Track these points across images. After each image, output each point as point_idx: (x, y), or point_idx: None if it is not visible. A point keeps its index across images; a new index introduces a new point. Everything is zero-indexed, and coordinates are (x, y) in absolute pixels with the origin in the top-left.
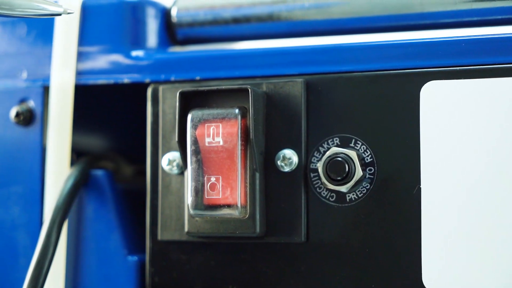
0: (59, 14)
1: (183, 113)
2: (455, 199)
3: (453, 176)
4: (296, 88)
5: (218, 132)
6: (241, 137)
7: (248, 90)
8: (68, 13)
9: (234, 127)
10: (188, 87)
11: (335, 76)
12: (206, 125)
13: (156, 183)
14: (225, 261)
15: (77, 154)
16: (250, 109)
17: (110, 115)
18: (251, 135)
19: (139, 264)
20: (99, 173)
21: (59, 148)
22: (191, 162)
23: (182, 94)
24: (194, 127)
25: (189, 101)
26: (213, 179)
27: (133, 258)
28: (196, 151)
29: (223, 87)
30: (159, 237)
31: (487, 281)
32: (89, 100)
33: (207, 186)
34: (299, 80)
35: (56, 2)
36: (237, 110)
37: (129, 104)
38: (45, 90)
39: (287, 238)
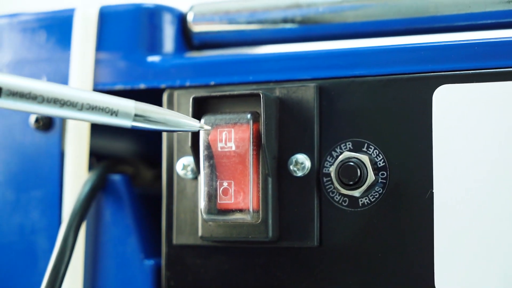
0: (197, 130)
1: (196, 118)
2: (468, 203)
3: (466, 180)
4: (308, 92)
5: (230, 137)
6: (253, 142)
7: (260, 95)
8: (205, 129)
9: (246, 132)
10: (202, 92)
11: (348, 81)
12: (218, 130)
13: (171, 188)
14: (239, 265)
15: (98, 158)
16: (262, 114)
17: None
18: (263, 140)
19: (156, 268)
20: (116, 177)
21: (77, 153)
22: (204, 167)
23: (195, 100)
24: (207, 132)
25: (202, 106)
26: (225, 184)
27: (149, 262)
28: (209, 156)
29: (235, 92)
30: (174, 242)
31: (501, 285)
32: None
33: (219, 191)
34: (312, 84)
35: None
36: (249, 115)
37: None
38: None
39: (300, 242)
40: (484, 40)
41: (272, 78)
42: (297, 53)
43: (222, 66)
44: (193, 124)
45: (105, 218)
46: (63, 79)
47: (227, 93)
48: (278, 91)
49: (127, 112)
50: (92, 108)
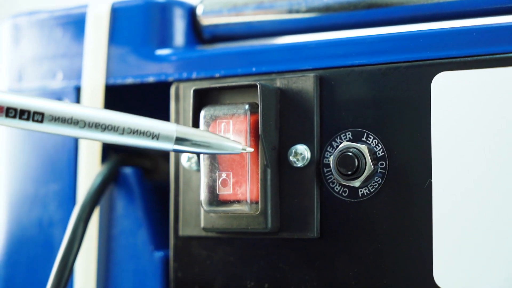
0: (239, 152)
1: (198, 110)
2: (467, 193)
3: (465, 169)
4: (308, 83)
5: (229, 128)
6: (250, 133)
7: (257, 86)
8: (247, 151)
9: (244, 123)
10: (207, 85)
11: (347, 70)
12: (217, 121)
13: (178, 180)
14: (243, 257)
15: (116, 152)
16: (259, 105)
17: (149, 114)
18: (260, 131)
19: (165, 259)
20: (128, 170)
21: (90, 146)
22: (204, 158)
23: (196, 92)
24: (207, 124)
25: (204, 99)
26: (224, 175)
27: (159, 254)
28: None
29: (233, 83)
30: (180, 233)
31: (499, 278)
32: (133, 98)
33: (218, 182)
34: (311, 75)
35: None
36: (247, 106)
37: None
38: (78, 90)
39: (300, 233)
40: (482, 25)
41: (274, 69)
42: (296, 44)
43: (226, 59)
44: (236, 146)
45: (117, 210)
46: (78, 74)
47: (226, 84)
48: (278, 82)
49: (168, 135)
50: (134, 132)
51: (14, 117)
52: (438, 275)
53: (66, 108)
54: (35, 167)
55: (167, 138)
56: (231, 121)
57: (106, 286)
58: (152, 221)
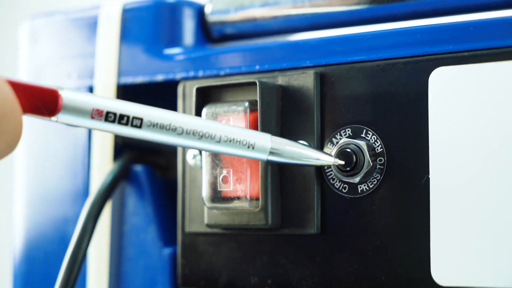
0: (331, 164)
1: (201, 108)
2: (465, 188)
3: (463, 164)
4: (308, 80)
5: None
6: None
7: (256, 84)
8: (338, 164)
9: (243, 121)
10: (212, 83)
11: (347, 67)
12: (218, 119)
13: (185, 177)
14: (247, 253)
15: (135, 149)
16: (258, 102)
17: None
18: (259, 128)
19: (174, 256)
20: (139, 168)
21: (102, 144)
22: (205, 155)
23: (199, 90)
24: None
25: (207, 97)
26: (225, 172)
27: (168, 250)
28: None
29: (234, 81)
30: (186, 230)
31: (497, 273)
32: (144, 97)
33: (220, 179)
34: (311, 71)
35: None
36: (246, 104)
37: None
38: (91, 90)
39: (301, 230)
40: (478, 20)
41: (276, 67)
42: (297, 41)
43: (230, 57)
44: (328, 159)
45: (128, 207)
46: (91, 74)
47: (226, 82)
48: (280, 80)
49: (263, 145)
50: (230, 141)
51: (113, 121)
52: (435, 271)
53: (164, 114)
54: (51, 164)
55: (262, 149)
56: (231, 118)
57: (118, 282)
58: (162, 218)
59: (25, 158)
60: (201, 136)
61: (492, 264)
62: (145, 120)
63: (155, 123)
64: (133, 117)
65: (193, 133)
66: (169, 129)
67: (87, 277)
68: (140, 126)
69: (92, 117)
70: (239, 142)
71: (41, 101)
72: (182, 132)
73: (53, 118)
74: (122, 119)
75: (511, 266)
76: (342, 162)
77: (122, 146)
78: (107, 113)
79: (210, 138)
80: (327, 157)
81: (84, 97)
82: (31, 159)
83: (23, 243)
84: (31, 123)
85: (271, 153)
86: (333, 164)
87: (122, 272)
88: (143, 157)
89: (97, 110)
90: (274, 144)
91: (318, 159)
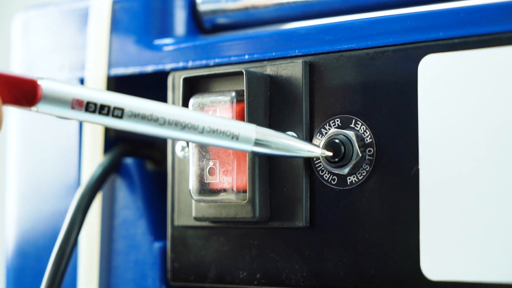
0: (318, 156)
1: (188, 99)
2: (455, 180)
3: (454, 155)
4: (297, 69)
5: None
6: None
7: (243, 73)
8: (326, 155)
9: (230, 111)
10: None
11: (336, 55)
12: (205, 109)
13: (174, 169)
14: (236, 247)
15: (128, 142)
16: (245, 92)
17: None
18: (246, 118)
19: (164, 250)
20: (129, 161)
21: (93, 137)
22: (192, 146)
23: (186, 80)
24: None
25: (195, 87)
26: (211, 163)
27: (158, 244)
28: None
29: (220, 71)
30: (175, 223)
31: (486, 267)
32: (136, 89)
33: (206, 171)
34: (299, 61)
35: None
36: (233, 94)
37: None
38: (83, 82)
39: (289, 222)
40: (469, 6)
41: (265, 56)
42: (286, 30)
43: (219, 47)
44: (315, 150)
45: (118, 201)
46: (82, 65)
47: (213, 72)
48: (268, 69)
49: (248, 136)
50: (213, 131)
51: (93, 112)
52: (425, 265)
53: (146, 104)
54: (43, 158)
55: (246, 140)
56: (218, 109)
57: (108, 277)
58: (153, 211)
59: (17, 152)
60: (184, 127)
61: (482, 258)
62: (126, 110)
63: (136, 113)
64: (114, 107)
65: (176, 124)
66: (151, 120)
67: (78, 271)
68: (121, 117)
69: (73, 107)
70: (223, 132)
71: (20, 92)
72: (164, 123)
73: (33, 108)
74: (103, 109)
75: (501, 260)
76: (330, 154)
77: (116, 139)
78: (88, 103)
79: (193, 128)
80: (314, 148)
81: (64, 87)
82: (23, 153)
83: (15, 237)
84: (23, 117)
85: (257, 144)
86: (321, 156)
87: (113, 267)
88: (136, 150)
89: (77, 100)
90: (260, 135)
91: (305, 151)
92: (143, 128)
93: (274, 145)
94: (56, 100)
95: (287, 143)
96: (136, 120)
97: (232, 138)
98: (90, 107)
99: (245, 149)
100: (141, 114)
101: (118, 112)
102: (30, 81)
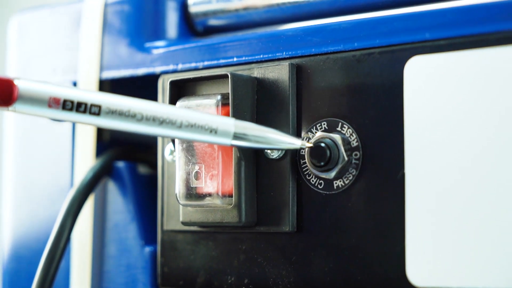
0: (298, 148)
1: (175, 102)
2: (441, 184)
3: (439, 158)
4: (283, 71)
5: None
6: None
7: (228, 76)
8: (306, 147)
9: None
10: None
11: (323, 58)
12: None
13: (163, 173)
14: (224, 252)
15: (122, 146)
16: (230, 95)
17: None
18: None
19: (154, 254)
20: (120, 165)
21: (85, 141)
22: (178, 151)
23: (173, 83)
24: None
25: (182, 91)
26: (197, 168)
27: (149, 248)
28: (182, 140)
29: (206, 74)
30: (165, 227)
31: (472, 273)
32: (128, 92)
33: (192, 175)
34: (286, 63)
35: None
36: (218, 97)
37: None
38: (75, 85)
39: (276, 227)
40: (455, 7)
41: (253, 59)
42: (272, 33)
43: (208, 50)
44: (294, 142)
45: (110, 204)
46: (75, 68)
47: (199, 75)
48: (256, 72)
49: (226, 130)
50: (191, 126)
51: (70, 109)
52: (410, 271)
53: (123, 101)
54: (37, 162)
55: (225, 133)
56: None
57: (100, 281)
58: (144, 215)
59: (11, 156)
60: (162, 122)
61: (468, 264)
62: (103, 107)
63: (113, 110)
64: (91, 105)
65: (153, 119)
66: (128, 116)
67: (70, 275)
68: (98, 114)
69: (50, 106)
70: (201, 127)
71: None
72: (142, 118)
73: (10, 108)
74: (80, 107)
75: (488, 266)
76: (311, 145)
77: (110, 142)
78: (65, 101)
79: (171, 123)
80: (294, 140)
81: (40, 86)
82: (18, 157)
83: (10, 241)
84: (17, 122)
85: (236, 137)
86: (307, 156)
87: (104, 271)
88: (129, 154)
89: (54, 98)
90: (238, 128)
91: (285, 143)
92: (121, 125)
93: (253, 138)
94: (33, 99)
95: (267, 136)
96: (114, 117)
97: (211, 132)
98: (67, 105)
99: (224, 142)
100: (119, 110)
101: (95, 109)
102: (6, 81)
